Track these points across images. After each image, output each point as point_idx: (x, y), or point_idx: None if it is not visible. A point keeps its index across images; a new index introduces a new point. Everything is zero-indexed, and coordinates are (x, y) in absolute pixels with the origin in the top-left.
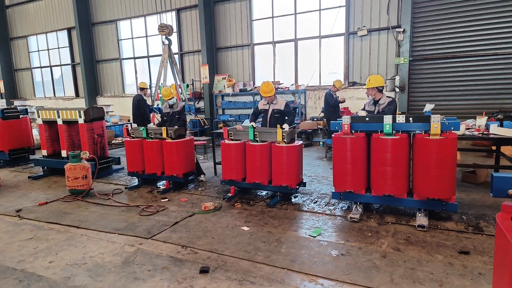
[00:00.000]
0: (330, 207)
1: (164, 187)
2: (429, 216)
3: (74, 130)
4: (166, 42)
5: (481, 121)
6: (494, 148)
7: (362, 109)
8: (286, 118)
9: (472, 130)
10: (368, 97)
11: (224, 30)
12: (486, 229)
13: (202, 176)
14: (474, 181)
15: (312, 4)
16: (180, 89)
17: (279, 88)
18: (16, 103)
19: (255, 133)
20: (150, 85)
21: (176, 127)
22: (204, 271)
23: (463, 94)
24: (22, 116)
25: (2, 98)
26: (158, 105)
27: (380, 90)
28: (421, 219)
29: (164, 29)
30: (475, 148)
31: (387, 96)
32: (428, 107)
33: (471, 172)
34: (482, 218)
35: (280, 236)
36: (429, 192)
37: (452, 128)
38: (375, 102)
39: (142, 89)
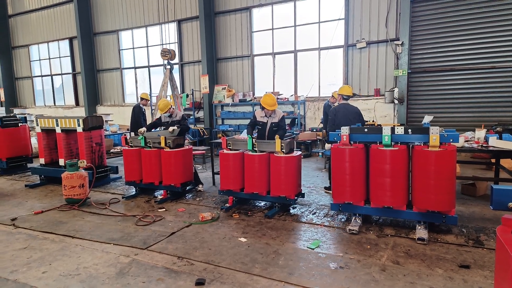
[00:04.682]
0: (328, 219)
1: (161, 196)
2: (429, 228)
3: (73, 139)
4: (168, 66)
5: (480, 133)
6: (493, 160)
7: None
8: (278, 131)
9: (471, 142)
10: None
11: (225, 41)
12: (487, 243)
13: (200, 186)
14: (474, 193)
15: (312, 16)
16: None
17: (278, 98)
18: (16, 111)
19: (254, 143)
20: (150, 95)
21: (172, 128)
22: (199, 283)
23: (461, 106)
24: (21, 124)
25: (2, 106)
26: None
27: (345, 98)
28: (421, 232)
29: (167, 54)
30: (475, 160)
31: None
32: (427, 119)
33: (470, 184)
34: (482, 231)
35: (278, 247)
36: (428, 204)
37: (451, 140)
38: None
39: (142, 99)
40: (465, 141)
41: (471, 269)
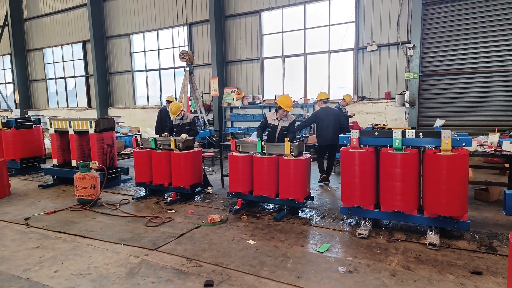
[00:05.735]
0: (338, 222)
1: (171, 198)
2: (440, 234)
3: (85, 140)
4: (187, 68)
5: (494, 137)
6: (507, 165)
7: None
8: (288, 135)
9: (484, 146)
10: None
11: (234, 44)
12: (500, 249)
13: (209, 188)
14: (487, 199)
15: (322, 19)
16: (201, 116)
17: None
18: (30, 113)
19: (263, 145)
20: (161, 98)
21: (185, 136)
22: (208, 285)
23: (474, 110)
24: (35, 125)
25: (16, 108)
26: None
27: (325, 102)
28: (432, 237)
29: (185, 56)
30: (488, 165)
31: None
32: (439, 122)
33: (483, 189)
34: (495, 237)
35: (287, 250)
36: (440, 209)
37: (464, 144)
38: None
39: (168, 102)
40: (478, 145)
41: (484, 276)
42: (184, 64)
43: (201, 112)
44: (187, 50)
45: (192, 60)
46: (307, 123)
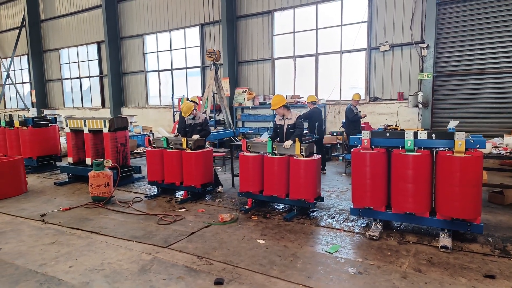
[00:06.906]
0: (348, 223)
1: (182, 197)
2: (453, 236)
3: (99, 139)
4: (213, 67)
5: (509, 139)
6: None
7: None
8: (294, 131)
9: (499, 148)
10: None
11: (246, 44)
12: None
13: (220, 187)
14: (502, 202)
15: (334, 19)
16: (226, 116)
17: (298, 102)
18: (46, 112)
19: (273, 146)
20: (173, 98)
21: (197, 136)
22: (218, 283)
23: (489, 111)
24: (51, 124)
25: (33, 107)
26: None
27: (314, 104)
28: (444, 240)
29: (212, 55)
30: (503, 167)
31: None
32: (452, 123)
33: (498, 192)
34: (509, 241)
35: (296, 250)
36: (453, 211)
37: (478, 145)
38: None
39: (191, 102)
40: (493, 147)
41: (497, 280)
42: (211, 63)
43: (225, 111)
44: (214, 49)
45: (219, 59)
46: (309, 115)
